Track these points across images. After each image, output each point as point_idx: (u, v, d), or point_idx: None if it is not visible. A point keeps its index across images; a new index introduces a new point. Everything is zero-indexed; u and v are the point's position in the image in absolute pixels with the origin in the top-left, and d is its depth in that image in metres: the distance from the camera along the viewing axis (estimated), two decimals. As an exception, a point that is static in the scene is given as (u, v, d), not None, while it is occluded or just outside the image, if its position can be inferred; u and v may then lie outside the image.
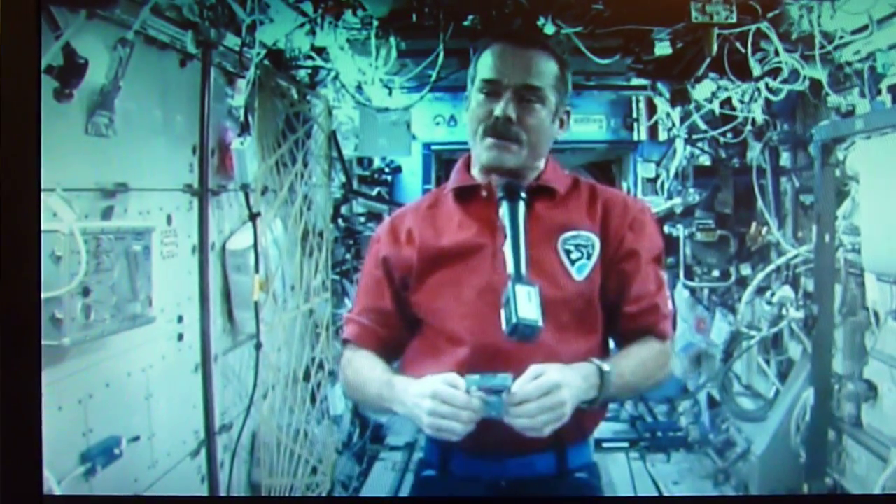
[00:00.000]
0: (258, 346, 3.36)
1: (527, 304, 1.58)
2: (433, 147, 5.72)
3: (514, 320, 1.57)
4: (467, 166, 1.98)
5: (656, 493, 4.34)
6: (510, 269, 1.63)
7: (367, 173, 5.49)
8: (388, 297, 1.96)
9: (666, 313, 1.89)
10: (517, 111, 1.81)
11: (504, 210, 1.77)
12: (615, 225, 1.89)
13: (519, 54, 1.86)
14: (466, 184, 1.94)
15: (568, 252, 1.81)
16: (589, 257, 1.85)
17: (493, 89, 1.83)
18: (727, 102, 4.11)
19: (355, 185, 5.07)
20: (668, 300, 1.91)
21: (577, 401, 1.66)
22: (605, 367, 1.72)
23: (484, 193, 1.88)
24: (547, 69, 1.85)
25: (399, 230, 1.97)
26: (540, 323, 1.58)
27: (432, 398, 1.64)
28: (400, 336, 1.97)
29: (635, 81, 4.55)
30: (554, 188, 1.91)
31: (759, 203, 4.32)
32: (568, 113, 1.94)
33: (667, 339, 1.88)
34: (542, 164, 1.94)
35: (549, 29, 3.15)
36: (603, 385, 1.71)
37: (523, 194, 1.79)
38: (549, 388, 1.62)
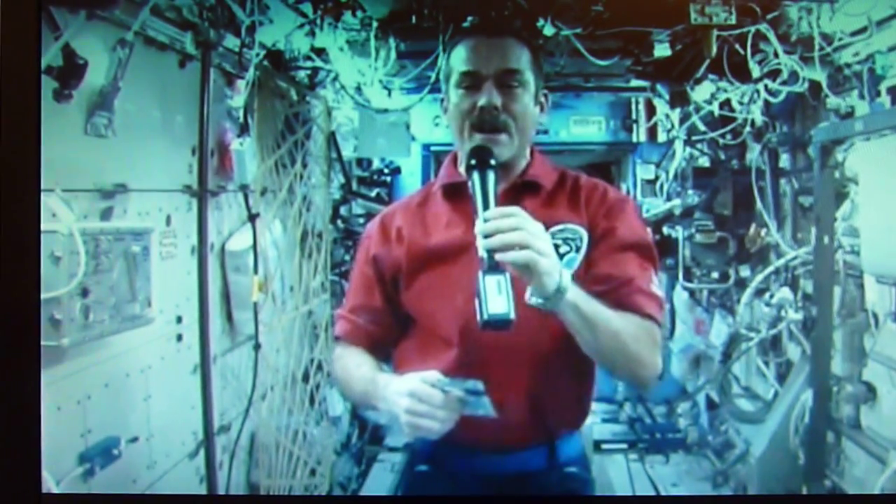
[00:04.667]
0: (257, 347, 3.35)
1: (496, 297, 1.52)
2: (432, 148, 5.73)
3: (484, 316, 1.52)
4: (455, 163, 1.97)
5: (655, 495, 4.34)
6: (480, 252, 1.56)
7: (366, 174, 5.50)
8: (378, 295, 1.95)
9: (645, 290, 1.78)
10: (501, 98, 1.79)
11: (474, 180, 1.70)
12: (593, 213, 1.87)
13: (492, 43, 1.84)
14: (454, 180, 1.93)
15: (556, 246, 1.76)
16: (577, 250, 1.83)
17: (472, 82, 1.81)
18: (726, 104, 4.11)
19: (354, 186, 5.07)
20: (653, 285, 1.81)
21: (542, 248, 1.55)
22: (566, 274, 1.60)
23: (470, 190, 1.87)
24: (522, 54, 1.84)
25: (389, 228, 1.96)
26: (511, 315, 1.51)
27: (409, 396, 1.62)
28: (391, 334, 1.96)
29: (634, 83, 4.54)
30: (540, 183, 1.90)
31: (759, 205, 4.33)
32: (546, 96, 1.93)
33: (649, 317, 1.76)
34: (528, 153, 1.93)
35: (549, 30, 3.15)
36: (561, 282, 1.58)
37: (493, 161, 1.73)
38: (511, 212, 1.58)
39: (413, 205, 1.99)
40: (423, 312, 1.89)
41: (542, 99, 1.91)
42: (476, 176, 1.71)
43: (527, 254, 1.52)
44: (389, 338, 1.96)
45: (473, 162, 1.73)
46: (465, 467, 1.90)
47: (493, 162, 1.73)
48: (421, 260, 1.88)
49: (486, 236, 1.55)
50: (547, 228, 1.65)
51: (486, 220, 1.57)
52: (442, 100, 1.93)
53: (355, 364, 1.92)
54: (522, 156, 1.91)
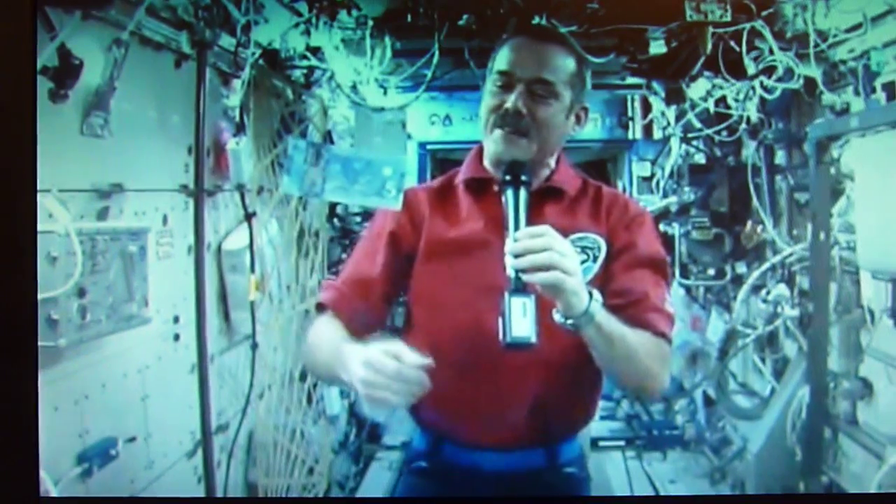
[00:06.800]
0: (254, 346, 3.36)
1: (521, 320, 1.52)
2: (428, 146, 5.72)
3: (507, 339, 1.52)
4: (480, 157, 1.95)
5: (653, 492, 4.34)
6: (509, 271, 1.56)
7: (362, 173, 5.48)
8: (382, 267, 1.89)
9: (659, 308, 1.80)
10: (528, 104, 1.79)
11: (507, 196, 1.70)
12: (613, 225, 1.87)
13: (535, 48, 1.84)
14: (478, 175, 1.92)
15: None
16: (595, 260, 1.83)
17: (506, 82, 1.81)
18: (722, 101, 4.11)
19: (351, 184, 5.05)
20: (667, 303, 1.83)
21: (570, 268, 1.55)
22: (595, 293, 1.62)
23: (495, 188, 1.86)
24: (562, 64, 1.83)
25: (411, 206, 1.94)
26: (533, 339, 1.52)
27: (365, 366, 1.55)
28: (376, 315, 1.90)
29: (630, 80, 4.54)
30: (563, 190, 1.90)
31: (755, 201, 4.34)
32: (585, 110, 1.91)
33: (661, 334, 1.78)
34: (553, 162, 1.92)
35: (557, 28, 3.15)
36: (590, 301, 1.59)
37: (524, 177, 1.73)
38: (541, 232, 1.57)
39: (434, 192, 1.97)
40: (432, 303, 1.87)
41: (580, 112, 1.90)
42: (510, 193, 1.71)
43: (554, 274, 1.53)
44: (374, 318, 1.90)
45: (507, 178, 1.73)
46: (463, 464, 1.90)
47: (525, 178, 1.73)
48: (436, 249, 1.87)
49: (516, 256, 1.55)
50: (567, 235, 1.65)
51: (516, 240, 1.57)
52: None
53: (328, 332, 1.84)
54: (545, 163, 1.90)
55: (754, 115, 4.10)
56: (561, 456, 1.92)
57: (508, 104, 1.79)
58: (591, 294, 1.60)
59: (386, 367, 1.54)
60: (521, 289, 1.54)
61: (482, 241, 1.83)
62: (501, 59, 1.84)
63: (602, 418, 5.33)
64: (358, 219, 4.92)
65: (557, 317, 1.60)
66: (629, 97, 5.65)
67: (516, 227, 1.64)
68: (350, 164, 1.50)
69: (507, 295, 1.54)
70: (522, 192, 1.70)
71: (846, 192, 3.37)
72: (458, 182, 1.96)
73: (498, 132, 1.81)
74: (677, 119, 4.84)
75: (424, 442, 1.97)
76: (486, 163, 1.92)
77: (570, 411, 1.92)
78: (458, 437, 1.86)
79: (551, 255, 1.53)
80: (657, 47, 3.52)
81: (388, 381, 1.53)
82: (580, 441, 2.00)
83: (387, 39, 3.56)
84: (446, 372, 1.82)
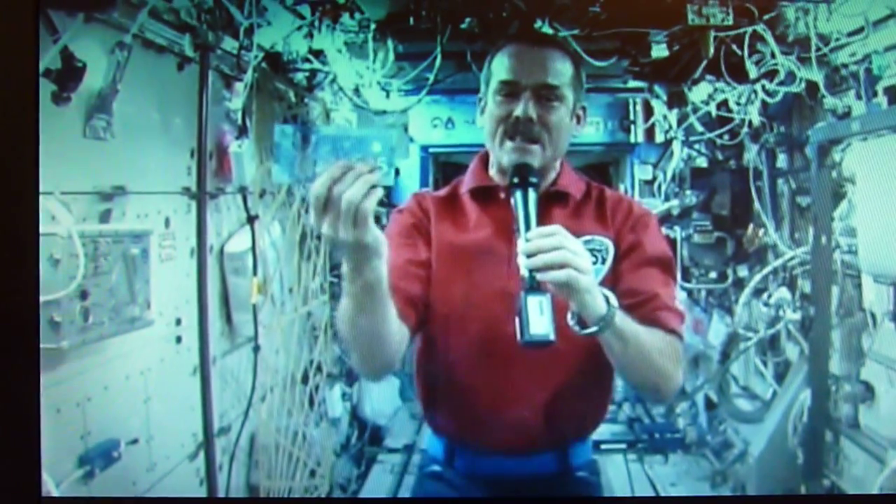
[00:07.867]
0: (256, 349, 3.36)
1: (538, 318, 1.52)
2: (430, 149, 5.73)
3: (525, 337, 1.52)
4: (484, 166, 1.95)
5: (654, 495, 4.34)
6: (523, 271, 1.56)
7: (364, 176, 5.48)
8: (423, 248, 1.88)
9: (669, 306, 1.80)
10: (537, 111, 1.78)
11: (516, 199, 1.70)
12: (619, 226, 1.88)
13: (535, 54, 1.83)
14: (484, 185, 1.92)
15: None
16: (603, 262, 1.83)
17: (511, 90, 1.81)
18: (724, 104, 4.11)
19: (353, 187, 5.06)
20: (676, 300, 1.84)
21: (583, 266, 1.54)
22: (612, 298, 1.62)
23: (502, 195, 1.86)
24: (563, 68, 1.83)
25: (424, 207, 1.94)
26: (551, 336, 1.52)
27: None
28: (425, 291, 1.85)
29: (632, 84, 4.55)
30: (569, 194, 1.90)
31: (756, 205, 4.34)
32: (584, 109, 1.92)
33: (672, 332, 1.78)
34: (558, 165, 1.92)
35: (547, 31, 3.16)
36: (608, 305, 1.60)
37: (533, 179, 1.73)
38: (553, 231, 1.56)
39: (440, 201, 1.97)
40: (443, 309, 1.86)
41: (580, 112, 1.90)
42: (519, 195, 1.70)
43: (568, 272, 1.52)
44: (423, 296, 1.84)
45: (516, 180, 1.73)
46: (475, 469, 1.91)
47: (533, 180, 1.73)
48: (445, 256, 1.87)
49: (529, 256, 1.55)
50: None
51: (527, 241, 1.57)
52: (480, 99, 1.92)
53: None
54: (553, 166, 1.90)
55: (756, 119, 4.10)
56: (573, 460, 1.93)
57: (518, 112, 1.78)
58: (607, 300, 1.60)
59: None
60: (535, 287, 1.54)
61: (491, 247, 1.83)
62: (501, 68, 1.83)
63: (603, 421, 5.32)
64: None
65: (575, 327, 1.60)
66: (631, 101, 5.66)
67: (527, 228, 1.64)
68: (340, 144, 1.50)
69: (523, 294, 1.54)
70: (532, 194, 1.71)
71: (848, 196, 3.37)
72: (464, 192, 1.95)
73: (510, 143, 1.81)
74: (679, 122, 4.85)
75: (438, 447, 1.97)
76: (493, 171, 1.92)
77: (583, 413, 1.93)
78: (472, 441, 1.86)
79: (564, 254, 1.53)
80: (659, 51, 3.52)
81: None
82: (591, 447, 2.01)
83: (389, 42, 3.56)
84: (460, 377, 1.83)
